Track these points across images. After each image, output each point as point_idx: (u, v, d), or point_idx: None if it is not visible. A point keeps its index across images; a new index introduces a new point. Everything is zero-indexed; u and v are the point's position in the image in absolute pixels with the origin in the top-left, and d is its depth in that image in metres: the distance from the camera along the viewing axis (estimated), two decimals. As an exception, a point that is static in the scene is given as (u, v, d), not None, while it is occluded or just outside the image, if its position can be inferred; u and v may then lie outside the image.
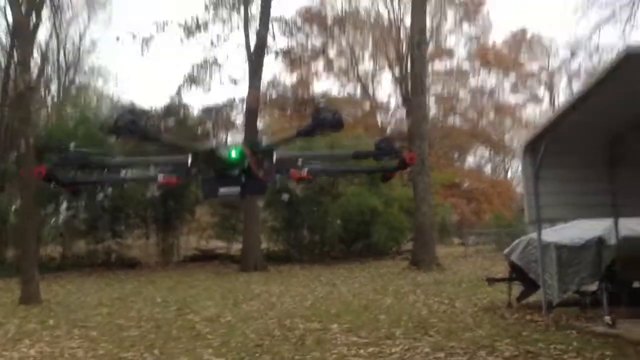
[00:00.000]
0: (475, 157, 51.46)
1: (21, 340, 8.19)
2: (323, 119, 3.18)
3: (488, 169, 52.44)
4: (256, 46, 22.69)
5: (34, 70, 26.71)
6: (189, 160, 3.38)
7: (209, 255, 24.63)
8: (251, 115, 22.59)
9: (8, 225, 20.73)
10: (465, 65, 38.26)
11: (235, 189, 3.39)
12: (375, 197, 22.51)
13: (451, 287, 13.60)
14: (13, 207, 20.52)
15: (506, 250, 11.02)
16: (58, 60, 34.42)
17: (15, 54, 16.75)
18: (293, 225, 24.78)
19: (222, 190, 3.42)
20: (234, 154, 3.29)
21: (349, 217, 22.84)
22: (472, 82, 38.15)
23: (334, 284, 14.89)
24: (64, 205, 24.16)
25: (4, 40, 26.11)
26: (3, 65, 23.39)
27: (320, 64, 34.66)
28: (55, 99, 35.60)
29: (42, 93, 33.39)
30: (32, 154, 13.33)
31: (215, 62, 23.75)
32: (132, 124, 3.18)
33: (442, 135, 38.05)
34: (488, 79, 38.30)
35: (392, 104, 40.53)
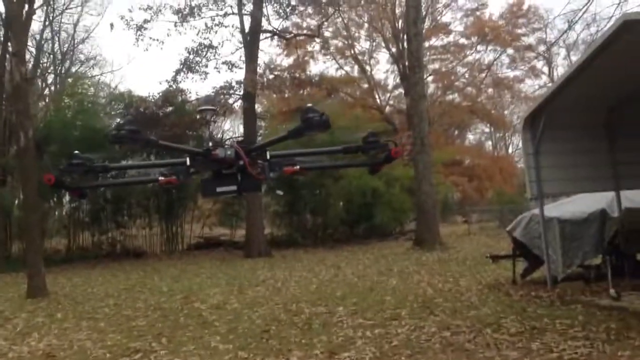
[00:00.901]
0: (476, 134, 51.49)
1: (30, 334, 8.24)
2: (311, 120, 3.36)
3: (489, 145, 52.49)
4: (251, 29, 22.55)
5: (30, 61, 26.67)
6: (187, 162, 3.58)
7: (213, 242, 24.74)
8: (249, 99, 22.50)
9: (12, 219, 20.78)
10: (463, 41, 37.97)
11: (232, 187, 3.62)
12: (377, 178, 22.49)
13: (455, 265, 13.65)
14: (16, 201, 20.54)
15: (509, 227, 11.04)
16: (53, 50, 34.38)
17: (9, 45, 16.64)
18: (296, 209, 24.84)
19: (220, 189, 3.66)
20: (229, 154, 3.50)
21: (351, 199, 22.87)
22: (470, 57, 37.85)
23: (338, 267, 14.93)
24: (67, 197, 24.20)
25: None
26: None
27: (316, 45, 34.44)
28: (52, 90, 35.56)
29: (39, 84, 33.33)
30: (32, 146, 13.30)
31: (210, 46, 23.57)
32: (133, 134, 3.36)
33: (441, 112, 37.87)
34: (485, 54, 38.00)
35: (390, 83, 40.41)
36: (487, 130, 50.26)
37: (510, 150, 51.51)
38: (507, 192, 33.28)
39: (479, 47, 37.30)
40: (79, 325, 8.78)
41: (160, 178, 3.59)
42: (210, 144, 3.71)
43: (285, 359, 6.11)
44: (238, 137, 29.12)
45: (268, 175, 3.63)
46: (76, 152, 3.64)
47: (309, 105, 3.72)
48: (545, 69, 42.23)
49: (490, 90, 40.31)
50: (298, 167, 3.70)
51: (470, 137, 51.22)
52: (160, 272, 16.40)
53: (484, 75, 38.18)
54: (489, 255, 11.88)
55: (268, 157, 3.65)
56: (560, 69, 39.17)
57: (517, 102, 41.82)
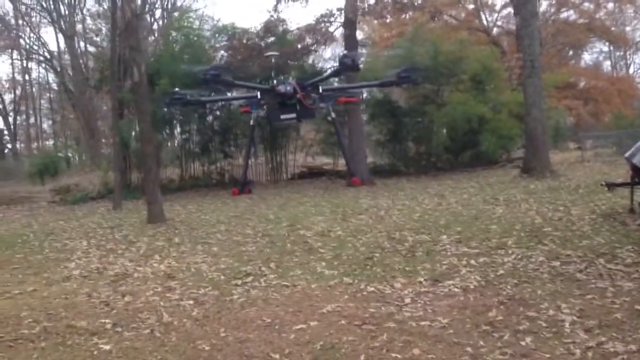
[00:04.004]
0: (592, 54, 47.86)
1: (152, 257, 8.92)
2: (345, 64, 4.61)
3: (607, 65, 48.71)
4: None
5: (139, -2, 27.60)
6: (259, 95, 4.54)
7: (316, 171, 25.21)
8: (350, 26, 22.13)
9: (130, 150, 22.19)
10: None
11: (292, 115, 4.69)
12: (483, 104, 21.67)
13: (566, 194, 13.05)
14: (133, 133, 21.84)
15: (628, 153, 10.28)
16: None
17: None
18: (398, 137, 24.57)
19: (283, 116, 4.65)
20: (288, 89, 4.61)
21: (455, 126, 22.22)
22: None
23: (442, 195, 14.75)
24: (178, 129, 25.47)
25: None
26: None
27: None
28: (160, 25, 36.86)
29: (148, 19, 34.62)
30: (145, 80, 13.94)
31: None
32: (215, 77, 4.42)
33: (554, 31, 35.45)
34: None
35: (498, 3, 38.09)
36: (605, 49, 46.53)
37: (631, 70, 47.55)
38: (627, 116, 31.03)
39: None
40: (195, 249, 9.38)
41: (240, 108, 4.53)
42: (275, 81, 4.53)
43: (389, 285, 6.20)
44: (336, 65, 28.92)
45: (318, 106, 4.75)
46: (176, 89, 4.55)
47: (345, 52, 4.69)
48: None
49: (610, 5, 37.04)
50: (347, 97, 5.00)
51: (587, 57, 47.76)
52: (266, 200, 16.99)
53: (603, -12, 34.98)
54: (605, 183, 11.23)
55: (320, 90, 4.73)
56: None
57: (642, 17, 38.13)
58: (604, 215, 9.62)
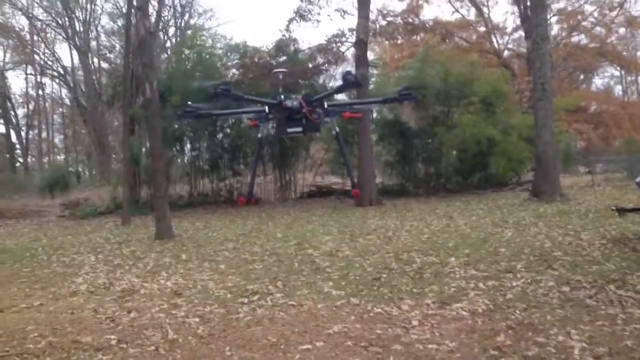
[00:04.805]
0: (604, 78, 47.87)
1: (159, 273, 8.91)
2: (347, 81, 4.70)
3: (618, 90, 48.67)
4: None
5: (152, 15, 28.00)
6: (266, 109, 4.90)
7: (325, 191, 25.19)
8: (361, 47, 22.24)
9: (141, 166, 22.29)
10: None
11: (298, 129, 4.90)
12: (492, 127, 21.63)
13: (576, 218, 12.95)
14: (143, 149, 21.95)
15: (639, 178, 10.25)
16: (173, 3, 35.92)
17: (134, 0, 17.51)
18: (407, 158, 24.58)
19: (289, 129, 4.94)
20: (295, 104, 4.76)
21: (465, 148, 22.18)
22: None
23: (450, 217, 14.68)
24: (188, 146, 25.59)
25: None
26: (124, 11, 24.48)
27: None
28: (173, 42, 37.30)
29: (162, 37, 35.05)
30: (156, 97, 14.06)
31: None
32: (226, 91, 4.72)
33: (565, 55, 35.49)
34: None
35: (509, 25, 38.27)
36: (616, 73, 46.54)
37: (643, 95, 47.45)
38: (638, 141, 30.85)
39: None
40: (202, 266, 9.36)
41: (249, 122, 4.89)
42: (282, 96, 4.91)
43: (397, 307, 6.15)
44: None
45: (323, 120, 4.83)
46: (189, 102, 4.97)
47: (348, 69, 5.18)
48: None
49: (621, 30, 37.10)
50: (352, 112, 5.18)
51: (598, 81, 47.75)
52: (274, 218, 16.98)
53: (615, 13, 35.06)
54: (615, 208, 11.12)
55: (325, 106, 4.85)
56: None
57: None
58: (614, 241, 9.52)
